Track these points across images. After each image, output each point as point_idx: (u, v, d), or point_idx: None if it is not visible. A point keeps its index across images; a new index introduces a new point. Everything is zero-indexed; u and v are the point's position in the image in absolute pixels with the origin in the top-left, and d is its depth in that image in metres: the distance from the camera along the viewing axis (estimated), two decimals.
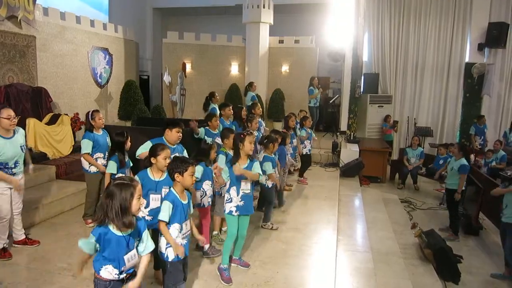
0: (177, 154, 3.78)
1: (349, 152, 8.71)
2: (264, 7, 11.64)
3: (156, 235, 3.04)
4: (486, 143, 10.27)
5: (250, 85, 10.20)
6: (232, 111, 6.23)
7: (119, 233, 2.31)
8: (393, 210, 7.26)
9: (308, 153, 7.39)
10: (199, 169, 3.88)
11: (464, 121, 11.49)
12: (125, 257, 2.36)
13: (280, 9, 12.57)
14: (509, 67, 11.26)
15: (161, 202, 3.01)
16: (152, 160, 3.37)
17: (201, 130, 5.38)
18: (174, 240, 2.88)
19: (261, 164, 4.96)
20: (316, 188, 7.10)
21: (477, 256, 5.81)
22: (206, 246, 4.16)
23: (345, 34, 10.25)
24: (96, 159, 4.84)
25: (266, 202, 5.21)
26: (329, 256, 4.39)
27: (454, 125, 11.61)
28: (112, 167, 4.29)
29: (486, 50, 11.14)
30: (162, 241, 2.94)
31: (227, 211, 3.76)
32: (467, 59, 11.30)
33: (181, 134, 4.16)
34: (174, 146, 4.12)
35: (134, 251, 2.42)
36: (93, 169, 4.89)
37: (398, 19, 11.32)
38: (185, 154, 4.23)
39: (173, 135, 4.10)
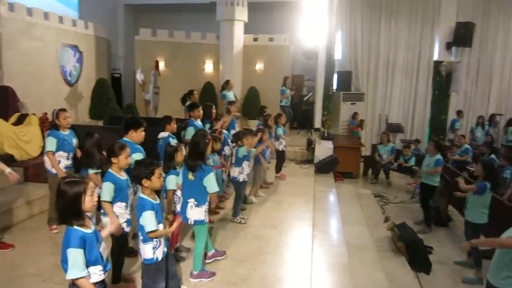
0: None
1: (324, 149, 8.82)
2: (238, 4, 11.61)
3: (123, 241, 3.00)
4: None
5: (227, 84, 10.16)
6: (202, 111, 6.12)
7: (88, 231, 2.26)
8: (367, 205, 7.41)
9: (284, 149, 7.46)
10: (172, 179, 3.83)
11: (433, 117, 11.85)
12: (101, 250, 2.33)
13: (254, 7, 12.57)
14: (475, 65, 11.72)
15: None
16: (113, 160, 3.29)
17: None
18: (165, 231, 2.93)
19: (241, 160, 5.01)
20: (292, 185, 7.16)
21: (447, 246, 6.01)
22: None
23: (318, 33, 10.37)
24: (59, 161, 4.56)
25: (236, 197, 5.21)
26: (305, 252, 4.44)
27: (424, 121, 11.96)
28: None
29: (454, 48, 11.50)
30: (148, 248, 2.88)
31: (207, 220, 3.70)
32: (435, 58, 11.65)
33: (144, 134, 4.06)
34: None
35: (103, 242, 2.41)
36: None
37: (369, 19, 11.56)
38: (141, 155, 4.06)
39: (138, 135, 4.00)
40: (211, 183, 3.54)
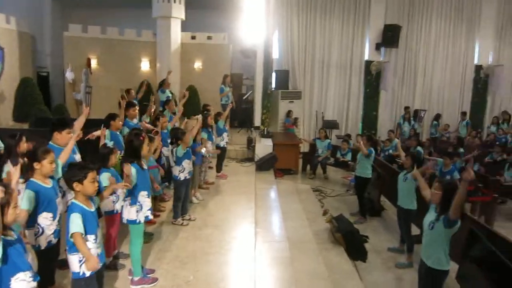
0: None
1: (264, 147, 8.96)
2: (175, 1, 11.38)
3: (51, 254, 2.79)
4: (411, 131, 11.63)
5: (163, 82, 9.90)
6: (137, 111, 5.92)
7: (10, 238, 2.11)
8: (306, 199, 7.65)
9: (225, 145, 7.46)
10: (105, 176, 3.65)
11: (365, 113, 12.56)
12: (29, 260, 2.20)
13: (192, 5, 12.39)
14: (401, 64, 12.58)
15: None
16: (36, 165, 2.98)
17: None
18: (89, 252, 2.65)
19: (180, 159, 4.92)
20: (233, 183, 7.19)
21: (381, 235, 6.39)
22: (108, 260, 3.80)
23: (256, 32, 10.49)
24: None
25: (174, 196, 5.10)
26: (248, 249, 4.49)
27: (357, 117, 12.62)
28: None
29: (382, 49, 12.30)
30: (74, 260, 2.67)
31: (142, 219, 3.58)
32: (366, 57, 12.36)
33: (72, 135, 3.73)
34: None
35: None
36: None
37: (305, 19, 11.90)
38: (78, 157, 3.84)
39: (63, 137, 3.66)
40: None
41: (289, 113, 11.18)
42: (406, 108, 12.24)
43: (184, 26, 12.21)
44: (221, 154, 7.48)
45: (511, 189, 7.61)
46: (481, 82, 12.98)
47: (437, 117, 12.38)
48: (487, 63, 12.93)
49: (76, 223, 2.60)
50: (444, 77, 12.88)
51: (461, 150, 9.31)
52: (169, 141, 5.91)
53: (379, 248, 5.85)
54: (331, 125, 11.70)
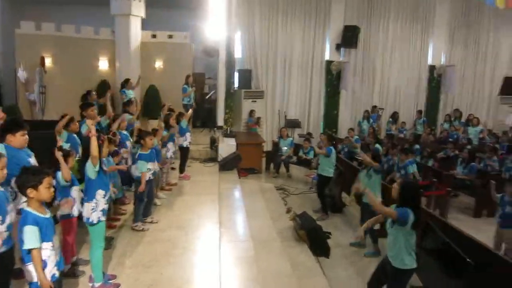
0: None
1: (227, 147, 8.94)
2: None
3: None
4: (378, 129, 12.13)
5: (126, 82, 9.64)
6: (95, 111, 5.75)
7: None
8: (270, 198, 7.72)
9: (188, 145, 7.39)
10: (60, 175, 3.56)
11: (326, 113, 12.84)
12: None
13: (153, 3, 12.12)
14: (360, 65, 12.94)
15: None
16: None
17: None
18: (43, 276, 2.51)
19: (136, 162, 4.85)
20: (197, 184, 7.13)
21: (343, 230, 6.56)
22: (67, 267, 3.68)
23: (218, 31, 10.44)
24: None
25: (136, 199, 4.95)
26: (212, 250, 4.47)
27: (319, 116, 12.86)
28: None
29: (342, 49, 12.61)
30: (31, 269, 2.53)
31: (95, 221, 3.48)
32: (327, 57, 12.62)
33: (27, 137, 3.53)
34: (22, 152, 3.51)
35: None
36: None
37: (267, 19, 11.98)
38: (33, 161, 3.60)
39: (17, 140, 3.45)
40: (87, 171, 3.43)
41: (251, 113, 11.23)
42: (374, 106, 12.69)
43: (145, 25, 11.93)
44: (184, 154, 7.40)
45: (463, 182, 8.03)
46: (435, 81, 13.61)
47: (394, 115, 12.86)
48: (440, 63, 13.55)
49: (31, 238, 2.48)
50: (400, 76, 13.37)
51: (417, 146, 9.74)
52: (128, 143, 5.81)
53: (342, 244, 6.00)
54: (293, 124, 11.86)
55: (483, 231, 6.27)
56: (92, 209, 3.46)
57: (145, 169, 4.85)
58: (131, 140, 5.99)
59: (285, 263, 4.88)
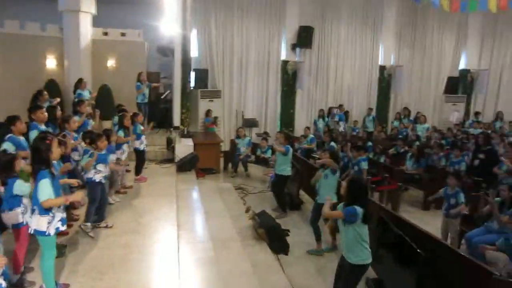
0: None
1: (184, 147, 8.82)
2: None
3: None
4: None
5: (80, 82, 9.20)
6: (45, 113, 5.47)
7: None
8: (229, 198, 7.70)
9: (145, 148, 7.22)
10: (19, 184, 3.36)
11: (283, 112, 13.01)
12: None
13: None
14: (315, 65, 13.22)
15: None
16: None
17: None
18: None
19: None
20: (154, 186, 6.97)
21: (301, 228, 6.66)
22: (16, 277, 3.51)
23: (173, 29, 10.25)
24: None
25: (89, 199, 4.78)
26: (171, 252, 4.39)
27: (275, 115, 13.01)
28: None
29: (298, 49, 12.82)
30: None
31: (51, 232, 3.29)
32: (283, 57, 12.78)
33: None
34: None
35: None
36: None
37: (223, 18, 11.93)
38: None
39: None
40: (41, 190, 3.21)
41: (208, 112, 11.14)
42: (341, 105, 13.04)
43: (95, 22, 11.47)
44: (141, 157, 7.23)
45: (413, 177, 8.43)
46: (385, 81, 14.19)
47: (346, 113, 13.28)
48: (389, 63, 14.14)
49: None
50: (353, 76, 13.80)
51: (370, 143, 10.10)
52: (79, 146, 5.57)
53: (299, 240, 6.09)
54: (251, 123, 11.91)
55: (432, 223, 6.66)
56: (49, 222, 3.27)
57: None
58: (81, 142, 5.70)
59: (245, 262, 4.89)
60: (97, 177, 4.77)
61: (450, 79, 14.73)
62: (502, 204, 5.29)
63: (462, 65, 14.96)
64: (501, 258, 4.49)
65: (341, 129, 12.32)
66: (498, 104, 15.45)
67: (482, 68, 14.88)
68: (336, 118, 12.66)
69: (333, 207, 4.02)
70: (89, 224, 4.70)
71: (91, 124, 6.83)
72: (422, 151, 8.96)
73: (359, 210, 3.58)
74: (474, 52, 14.92)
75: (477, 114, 14.08)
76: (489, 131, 11.03)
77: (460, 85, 14.90)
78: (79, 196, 3.54)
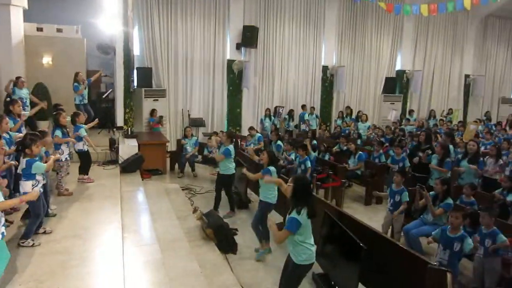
0: None
1: (128, 148, 8.55)
2: None
3: None
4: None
5: (17, 80, 8.55)
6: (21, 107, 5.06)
7: None
8: (176, 199, 7.59)
9: (88, 149, 6.94)
10: None
11: (229, 111, 13.02)
12: None
13: None
14: (261, 64, 13.36)
15: None
16: None
17: None
18: None
19: (28, 170, 4.35)
20: (96, 188, 6.68)
21: (249, 226, 6.69)
22: None
23: (114, 26, 9.87)
24: None
25: (32, 214, 4.39)
26: (115, 256, 4.23)
27: (222, 115, 12.99)
28: None
29: (243, 49, 12.88)
30: None
31: None
32: (228, 57, 12.78)
33: None
34: None
35: None
36: None
37: (166, 17, 11.68)
38: None
39: None
40: None
41: (153, 112, 10.89)
42: (266, 109, 13.10)
43: (28, 16, 10.75)
44: (86, 158, 6.92)
45: (355, 173, 8.80)
46: (328, 81, 14.69)
47: (290, 112, 13.59)
48: (332, 64, 14.65)
49: None
50: (297, 76, 14.13)
51: (314, 142, 10.40)
52: (12, 147, 5.19)
53: (248, 239, 6.14)
54: (197, 123, 11.80)
55: (374, 218, 7.02)
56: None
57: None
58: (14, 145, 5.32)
59: (193, 262, 4.84)
60: (36, 190, 4.34)
61: (388, 80, 15.58)
62: (435, 197, 5.68)
63: (398, 66, 15.87)
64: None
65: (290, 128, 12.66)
66: (431, 103, 16.64)
67: (416, 69, 15.91)
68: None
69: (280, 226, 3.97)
70: (29, 240, 4.35)
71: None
72: (363, 148, 9.36)
73: (299, 217, 3.55)
74: (408, 54, 15.91)
75: (411, 112, 15.04)
76: (424, 128, 11.78)
77: (397, 85, 15.80)
78: (34, 195, 3.27)
